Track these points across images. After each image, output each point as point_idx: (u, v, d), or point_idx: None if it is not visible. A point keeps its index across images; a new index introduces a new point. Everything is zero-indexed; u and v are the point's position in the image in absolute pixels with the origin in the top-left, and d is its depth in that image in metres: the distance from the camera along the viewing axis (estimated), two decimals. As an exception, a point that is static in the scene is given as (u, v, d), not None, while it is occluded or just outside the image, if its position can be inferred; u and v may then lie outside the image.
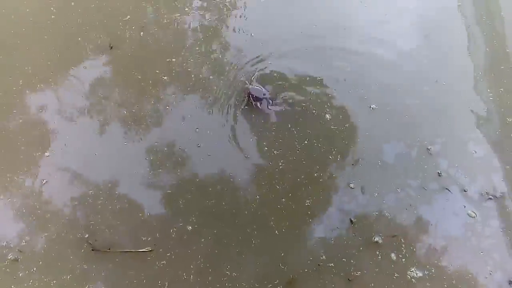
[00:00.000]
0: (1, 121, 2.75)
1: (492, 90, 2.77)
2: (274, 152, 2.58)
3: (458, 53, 2.97)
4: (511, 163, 2.49)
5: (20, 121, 2.76)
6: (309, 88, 2.81)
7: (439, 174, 2.44)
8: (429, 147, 2.53)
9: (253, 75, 2.85)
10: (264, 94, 2.73)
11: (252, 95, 2.71)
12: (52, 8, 3.21)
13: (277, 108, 2.73)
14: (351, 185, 2.45)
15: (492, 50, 2.95)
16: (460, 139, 2.57)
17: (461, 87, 2.80)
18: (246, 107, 2.75)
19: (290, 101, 2.76)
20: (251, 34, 3.07)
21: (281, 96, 2.78)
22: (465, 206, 2.36)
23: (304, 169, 2.52)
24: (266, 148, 2.60)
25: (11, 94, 2.85)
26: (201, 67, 2.94)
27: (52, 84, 2.90)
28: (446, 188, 2.40)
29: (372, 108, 2.71)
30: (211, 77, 2.89)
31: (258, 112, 2.72)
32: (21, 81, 2.92)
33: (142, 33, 3.10)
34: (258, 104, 2.71)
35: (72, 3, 3.23)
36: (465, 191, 2.39)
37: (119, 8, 3.21)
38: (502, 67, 2.88)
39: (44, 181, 2.53)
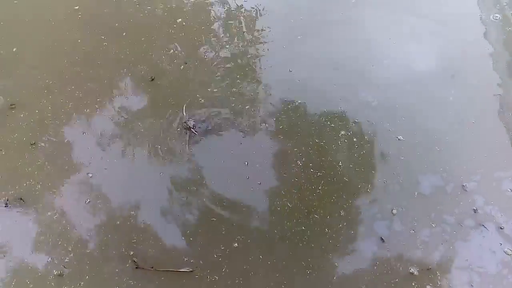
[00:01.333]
0: (50, 137, 2.92)
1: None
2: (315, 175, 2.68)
3: (486, 92, 3.06)
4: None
5: (66, 141, 2.93)
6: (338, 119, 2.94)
7: (475, 211, 2.48)
8: (464, 184, 2.59)
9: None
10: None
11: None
12: (103, 37, 3.46)
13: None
14: (393, 211, 2.54)
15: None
16: (495, 177, 2.61)
17: (490, 125, 2.88)
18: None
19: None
20: (289, 70, 3.24)
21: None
22: (501, 244, 2.38)
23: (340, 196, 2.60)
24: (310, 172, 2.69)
25: (59, 115, 3.04)
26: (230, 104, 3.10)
27: (98, 109, 3.08)
28: (482, 225, 2.43)
29: (399, 139, 2.81)
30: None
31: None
32: (70, 104, 3.11)
33: (182, 67, 3.28)
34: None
35: (124, 33, 3.47)
36: (501, 228, 2.42)
37: (165, 43, 3.43)
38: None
39: (88, 200, 2.65)
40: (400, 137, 2.83)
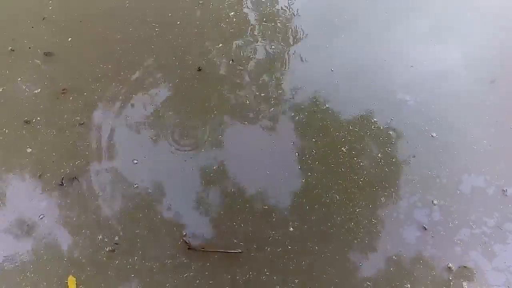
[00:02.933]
0: (99, 118, 3.05)
1: None
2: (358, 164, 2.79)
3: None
4: None
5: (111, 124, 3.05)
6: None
7: (515, 216, 2.56)
8: (504, 189, 2.65)
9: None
10: None
11: None
12: (155, 24, 3.57)
13: None
14: (435, 202, 2.65)
15: None
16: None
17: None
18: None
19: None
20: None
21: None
22: (539, 249, 2.46)
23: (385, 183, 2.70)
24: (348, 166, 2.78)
25: (108, 98, 3.16)
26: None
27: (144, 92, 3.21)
28: (522, 230, 2.51)
29: (433, 136, 2.92)
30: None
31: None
32: (122, 88, 3.23)
33: (231, 61, 3.38)
34: None
35: (178, 22, 3.58)
36: (540, 234, 2.49)
37: (216, 36, 3.53)
38: None
39: (136, 185, 2.77)
40: (433, 134, 2.91)
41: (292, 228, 2.59)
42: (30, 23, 3.60)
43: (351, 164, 2.82)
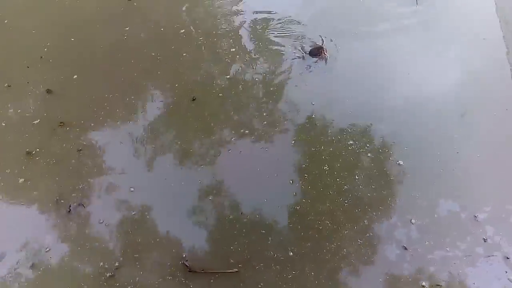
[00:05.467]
0: (95, 144, 3.26)
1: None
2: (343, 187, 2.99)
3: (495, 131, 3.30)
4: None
5: (108, 147, 3.26)
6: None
7: (485, 240, 2.75)
8: (476, 214, 2.86)
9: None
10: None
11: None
12: (157, 55, 3.81)
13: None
14: (413, 221, 2.87)
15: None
16: (505, 209, 2.88)
17: (499, 160, 3.14)
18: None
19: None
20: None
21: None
22: (506, 272, 2.65)
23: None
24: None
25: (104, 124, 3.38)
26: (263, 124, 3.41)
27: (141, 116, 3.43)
28: (491, 254, 2.71)
29: (399, 163, 3.12)
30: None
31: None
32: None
33: (220, 94, 3.60)
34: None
35: (184, 54, 3.83)
36: (507, 258, 2.69)
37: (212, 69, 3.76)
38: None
39: (133, 212, 2.97)
40: (400, 162, 3.12)
41: (292, 252, 2.79)
42: (26, 63, 3.81)
43: (337, 187, 3.04)
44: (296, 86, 3.62)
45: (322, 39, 3.90)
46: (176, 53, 3.85)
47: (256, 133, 3.33)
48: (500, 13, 4.05)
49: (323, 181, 3.08)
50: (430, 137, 3.25)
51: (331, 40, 3.90)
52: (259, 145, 3.27)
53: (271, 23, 4.10)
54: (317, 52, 3.80)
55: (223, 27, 4.08)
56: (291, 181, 3.09)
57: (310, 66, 3.74)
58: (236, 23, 4.10)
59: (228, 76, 3.73)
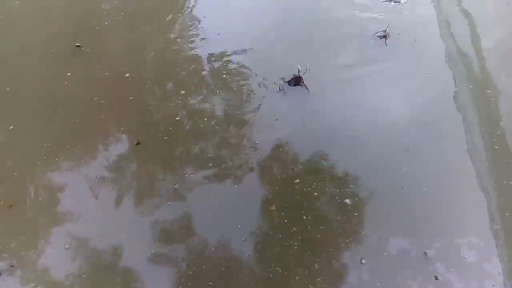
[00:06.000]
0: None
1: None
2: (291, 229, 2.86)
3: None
4: (505, 269, 2.72)
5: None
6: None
7: (436, 278, 2.66)
8: (426, 251, 2.78)
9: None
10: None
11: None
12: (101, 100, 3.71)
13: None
14: (363, 261, 2.76)
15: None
16: (454, 244, 2.81)
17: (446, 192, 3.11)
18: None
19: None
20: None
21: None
22: (460, 310, 2.57)
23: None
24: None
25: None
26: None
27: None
28: (442, 293, 2.63)
29: (346, 202, 3.05)
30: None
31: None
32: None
33: (165, 138, 3.49)
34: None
35: (131, 98, 3.74)
36: (459, 295, 2.61)
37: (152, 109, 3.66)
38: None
39: (68, 273, 2.76)
40: (347, 200, 3.05)
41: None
42: None
43: (286, 229, 2.93)
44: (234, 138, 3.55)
45: (298, 69, 3.87)
46: (121, 97, 3.75)
47: (200, 177, 3.21)
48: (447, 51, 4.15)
49: (271, 223, 2.97)
50: (376, 173, 3.20)
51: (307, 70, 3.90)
52: (203, 190, 3.15)
53: (229, 60, 4.09)
54: (296, 81, 3.81)
55: (174, 69, 4.02)
56: (239, 226, 2.97)
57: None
58: (189, 65, 4.06)
59: (178, 118, 3.64)
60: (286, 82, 3.84)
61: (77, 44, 4.16)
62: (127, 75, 3.92)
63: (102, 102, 3.71)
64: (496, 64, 4.01)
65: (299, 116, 3.63)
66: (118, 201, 3.08)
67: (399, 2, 4.66)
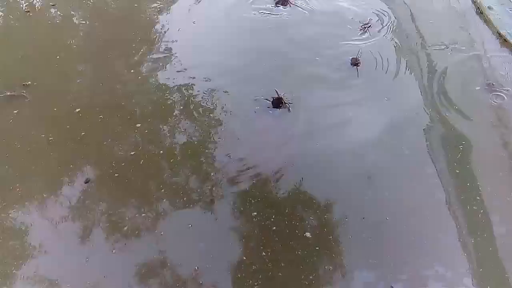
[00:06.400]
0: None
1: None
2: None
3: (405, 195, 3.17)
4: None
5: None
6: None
7: (404, 315, 2.50)
8: (392, 285, 2.61)
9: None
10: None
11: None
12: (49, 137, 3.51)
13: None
14: None
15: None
16: (420, 276, 2.67)
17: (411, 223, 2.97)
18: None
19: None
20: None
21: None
22: None
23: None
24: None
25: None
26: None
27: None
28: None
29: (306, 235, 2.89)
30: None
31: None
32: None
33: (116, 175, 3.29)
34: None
35: (83, 133, 3.55)
36: (429, 332, 2.44)
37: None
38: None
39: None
40: (307, 234, 2.88)
41: None
42: None
43: (245, 267, 2.72)
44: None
45: (276, 91, 3.81)
46: (71, 133, 3.55)
47: (152, 213, 3.02)
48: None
49: (229, 261, 2.77)
50: (337, 204, 3.07)
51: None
52: (155, 226, 2.94)
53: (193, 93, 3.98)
54: (278, 103, 3.77)
55: (128, 101, 3.86)
56: (196, 267, 2.75)
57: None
58: (143, 96, 3.92)
59: (133, 153, 3.45)
60: (270, 102, 3.81)
61: (24, 83, 3.97)
62: (77, 110, 3.74)
63: (50, 139, 3.50)
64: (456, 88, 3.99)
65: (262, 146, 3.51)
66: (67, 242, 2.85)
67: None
